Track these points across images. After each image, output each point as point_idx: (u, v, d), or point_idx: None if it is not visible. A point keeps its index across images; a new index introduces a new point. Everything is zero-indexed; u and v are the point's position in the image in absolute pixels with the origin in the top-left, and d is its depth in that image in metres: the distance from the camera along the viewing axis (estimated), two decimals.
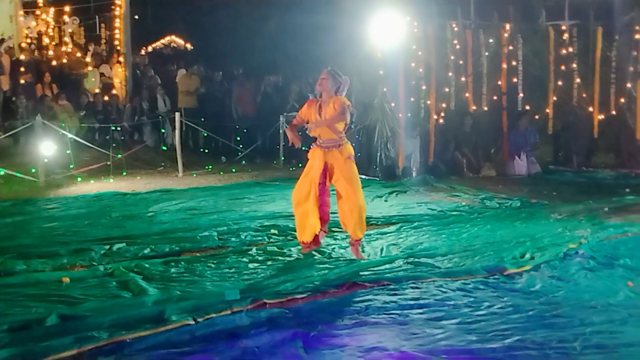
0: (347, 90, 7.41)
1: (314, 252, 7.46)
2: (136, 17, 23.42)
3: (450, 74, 14.15)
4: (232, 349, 4.67)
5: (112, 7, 20.40)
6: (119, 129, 16.03)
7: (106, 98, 17.14)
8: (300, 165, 15.70)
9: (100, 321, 5.09)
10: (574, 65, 14.70)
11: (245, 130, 17.09)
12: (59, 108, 15.14)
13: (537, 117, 14.91)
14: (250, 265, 7.02)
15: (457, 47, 14.21)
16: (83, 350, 4.59)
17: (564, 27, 14.73)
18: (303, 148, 15.74)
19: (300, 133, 7.75)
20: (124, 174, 14.04)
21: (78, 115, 15.58)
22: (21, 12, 19.73)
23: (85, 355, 4.55)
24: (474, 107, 14.45)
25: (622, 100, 14.52)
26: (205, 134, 16.46)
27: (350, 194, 7.21)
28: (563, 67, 14.72)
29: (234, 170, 15.09)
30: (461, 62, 14.27)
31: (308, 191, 7.36)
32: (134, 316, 5.21)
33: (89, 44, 21.17)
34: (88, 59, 19.17)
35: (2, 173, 12.37)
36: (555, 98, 14.83)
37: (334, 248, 7.73)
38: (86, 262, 7.04)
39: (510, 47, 14.63)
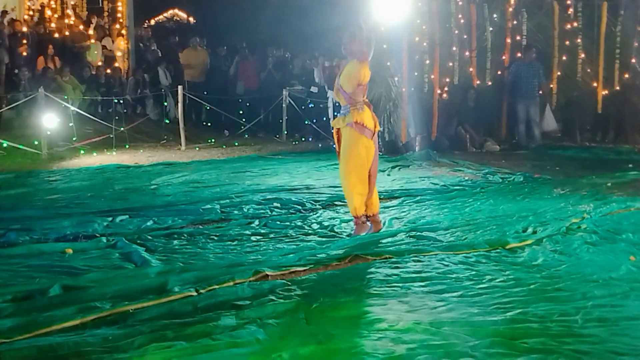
0: (372, 48, 6.86)
1: (315, 227, 7.48)
2: None
3: (454, 48, 14.07)
4: (234, 320, 4.68)
5: None
6: (121, 101, 16.00)
7: (108, 71, 17.11)
8: (302, 139, 15.71)
9: (103, 292, 5.11)
10: (579, 41, 14.62)
11: (248, 104, 17.05)
12: (62, 81, 15.10)
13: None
14: (253, 238, 7.04)
15: (462, 21, 14.13)
16: (86, 320, 4.61)
17: (568, 2, 14.63)
18: (306, 122, 15.77)
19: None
20: (127, 146, 14.04)
21: (81, 88, 15.54)
22: None
23: (88, 326, 4.56)
24: (478, 82, 14.38)
25: (627, 75, 14.46)
26: (208, 108, 16.42)
27: (340, 164, 7.03)
28: (567, 42, 14.63)
29: (236, 143, 15.08)
30: (465, 36, 14.19)
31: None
32: (137, 287, 5.23)
33: (91, 17, 21.09)
34: (90, 32, 19.11)
35: (4, 145, 12.37)
36: (559, 73, 14.76)
37: (336, 221, 7.73)
38: (89, 234, 7.06)
39: (515, 22, 14.55)
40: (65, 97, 14.01)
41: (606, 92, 14.58)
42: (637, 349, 4.25)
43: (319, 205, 8.64)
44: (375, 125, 6.96)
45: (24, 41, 16.45)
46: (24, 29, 17.13)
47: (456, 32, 14.07)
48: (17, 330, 4.39)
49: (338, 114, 7.17)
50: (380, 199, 8.97)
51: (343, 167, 6.96)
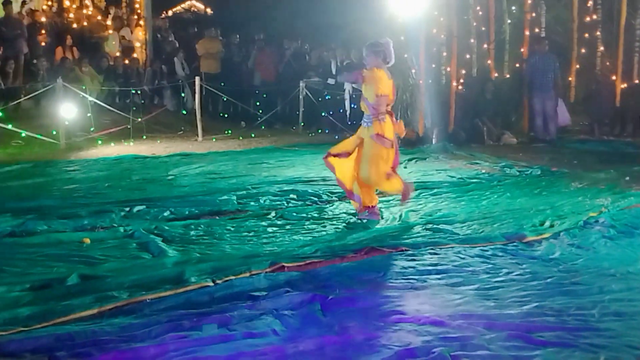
0: (392, 51, 7.26)
1: (332, 218, 7.51)
2: None
3: (472, 40, 14.02)
4: (250, 311, 4.69)
5: None
6: (139, 92, 16.03)
7: (126, 61, 17.16)
8: (319, 131, 15.71)
9: (121, 281, 5.14)
10: (598, 33, 14.53)
11: (265, 96, 17.06)
12: (80, 71, 15.16)
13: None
14: (269, 229, 7.05)
15: (480, 13, 14.06)
16: (103, 309, 4.64)
17: None
18: (322, 114, 15.76)
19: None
20: (144, 137, 14.09)
21: (99, 78, 15.60)
22: None
23: (106, 315, 4.59)
24: (496, 75, 14.32)
25: None
26: (225, 99, 16.44)
27: (357, 166, 7.38)
28: (586, 35, 14.54)
29: (253, 135, 15.09)
30: (483, 28, 14.13)
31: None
32: (154, 277, 5.25)
33: (109, 7, 21.15)
34: (109, 22, 19.18)
35: (23, 135, 12.44)
36: (578, 66, 14.67)
37: (352, 213, 7.73)
38: (106, 224, 7.10)
39: (533, 14, 14.46)
40: (83, 87, 14.06)
41: (625, 85, 14.47)
42: None
43: (335, 197, 8.64)
44: (400, 133, 7.43)
45: (43, 31, 16.55)
46: (43, 19, 17.23)
47: (474, 24, 14.01)
48: (35, 318, 4.43)
49: (362, 122, 7.38)
50: None
51: (365, 169, 7.25)
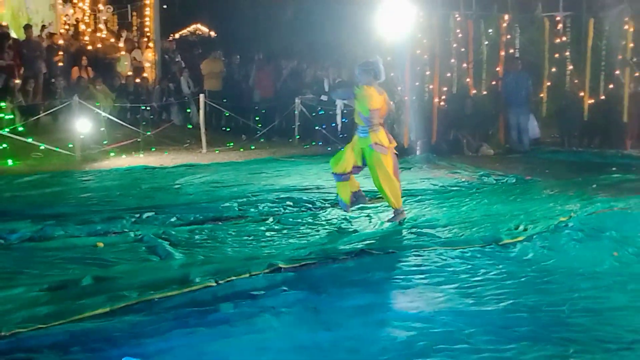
0: (382, 68, 7.28)
1: (324, 223, 7.49)
2: (165, 6, 23.37)
3: (452, 60, 14.03)
4: (250, 309, 4.69)
5: None
6: (148, 108, 15.99)
7: (137, 80, 17.13)
8: (313, 143, 15.72)
9: (131, 282, 5.13)
10: (567, 54, 14.55)
11: (263, 111, 17.04)
12: (95, 89, 15.15)
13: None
14: (267, 234, 7.05)
15: (460, 35, 14.08)
16: (115, 308, 4.63)
17: (558, 18, 14.55)
18: (316, 127, 15.75)
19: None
20: (153, 149, 14.05)
21: (112, 96, 15.58)
22: (60, 1, 19.68)
23: (117, 313, 4.58)
24: (474, 91, 14.34)
25: (611, 86, 14.34)
26: (227, 114, 16.43)
27: (374, 177, 7.35)
28: (557, 55, 14.56)
29: (253, 147, 15.06)
30: (463, 49, 14.13)
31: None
32: (162, 278, 5.25)
33: (121, 31, 21.17)
34: (121, 44, 19.16)
35: (42, 147, 12.42)
36: (549, 83, 14.70)
37: (344, 219, 7.73)
38: (118, 229, 7.09)
39: (508, 36, 14.49)
40: (97, 104, 14.03)
41: (592, 101, 14.49)
42: (620, 337, 4.24)
43: (328, 203, 8.63)
44: (391, 142, 7.35)
45: (60, 53, 16.53)
46: (60, 41, 17.22)
47: (454, 45, 14.02)
48: (52, 317, 4.42)
49: (358, 133, 7.36)
50: (383, 198, 9.02)
51: (384, 176, 7.22)
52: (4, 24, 16.64)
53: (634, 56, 14.15)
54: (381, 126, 7.32)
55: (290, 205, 8.48)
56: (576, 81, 14.60)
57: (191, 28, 31.86)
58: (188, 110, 17.10)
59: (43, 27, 17.93)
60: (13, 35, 16.60)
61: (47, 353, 3.94)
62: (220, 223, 7.53)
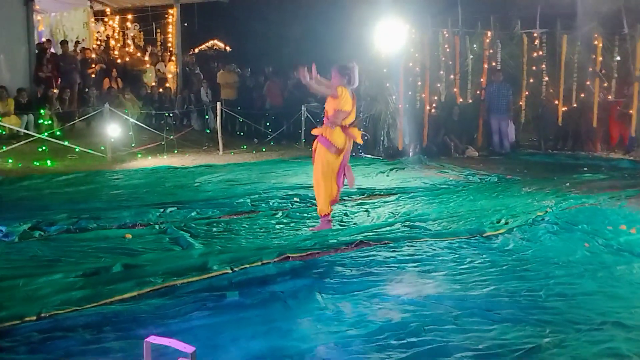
0: (356, 75, 6.81)
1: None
2: (185, 24, 23.37)
3: (441, 72, 14.00)
4: (261, 293, 4.69)
5: (166, 15, 20.38)
6: (171, 115, 16.01)
7: (161, 90, 17.12)
8: None
9: (156, 269, 5.13)
10: (543, 66, 14.52)
11: (273, 117, 17.03)
12: (123, 98, 15.16)
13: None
14: (277, 226, 7.05)
15: (447, 50, 14.06)
16: (142, 292, 4.64)
17: (535, 35, 14.51)
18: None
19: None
20: (175, 151, 14.05)
21: (138, 104, 15.59)
22: (92, 19, 19.66)
23: (144, 297, 4.59)
24: (461, 100, 14.32)
25: (582, 95, 14.32)
26: (241, 120, 16.43)
27: (314, 171, 6.93)
28: (534, 68, 14.54)
29: (264, 149, 15.05)
30: (450, 62, 14.12)
31: None
32: (183, 266, 5.25)
33: (147, 46, 21.14)
34: (146, 58, 19.14)
35: (77, 150, 12.44)
36: (527, 93, 14.68)
37: (345, 213, 7.73)
38: (144, 222, 7.09)
39: (491, 51, 14.48)
40: (126, 111, 14.05)
41: (566, 108, 14.46)
42: (591, 319, 4.24)
43: None
44: (344, 145, 6.74)
45: (93, 65, 16.53)
46: (93, 55, 17.22)
47: (443, 59, 14.00)
48: (86, 300, 4.43)
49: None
50: (380, 195, 9.03)
51: (314, 174, 6.88)
52: (44, 40, 16.66)
53: (603, 68, 14.16)
54: (343, 128, 6.69)
55: (297, 201, 8.48)
56: (551, 90, 14.58)
57: (209, 43, 31.83)
58: (206, 117, 17.10)
59: (77, 42, 17.93)
60: (52, 50, 16.62)
61: (82, 332, 3.95)
62: (235, 217, 7.53)
